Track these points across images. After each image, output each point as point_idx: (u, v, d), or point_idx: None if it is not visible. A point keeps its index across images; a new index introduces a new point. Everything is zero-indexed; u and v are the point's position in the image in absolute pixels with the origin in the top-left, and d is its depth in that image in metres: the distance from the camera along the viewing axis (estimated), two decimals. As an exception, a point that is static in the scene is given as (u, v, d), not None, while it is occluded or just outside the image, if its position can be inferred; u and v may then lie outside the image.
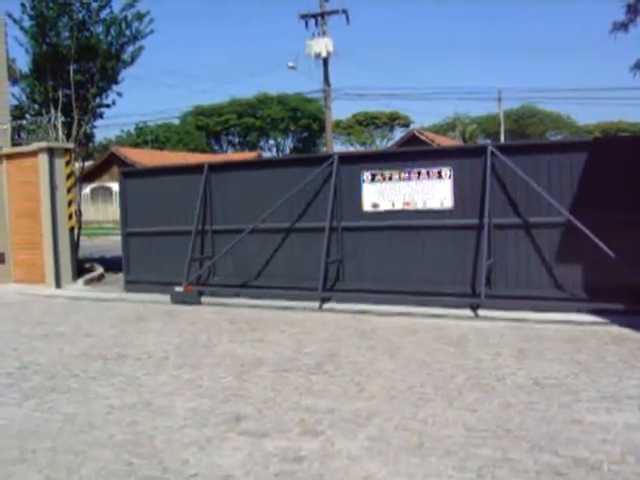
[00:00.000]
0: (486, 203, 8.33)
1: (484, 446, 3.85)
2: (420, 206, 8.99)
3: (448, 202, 8.80)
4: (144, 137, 53.93)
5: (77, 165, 14.49)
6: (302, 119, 58.01)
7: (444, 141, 39.84)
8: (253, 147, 57.94)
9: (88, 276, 13.00)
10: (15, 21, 13.64)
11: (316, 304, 9.03)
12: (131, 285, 11.34)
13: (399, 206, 9.13)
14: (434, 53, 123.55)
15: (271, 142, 62.25)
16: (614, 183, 7.86)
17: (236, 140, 62.73)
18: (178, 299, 9.89)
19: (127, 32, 14.10)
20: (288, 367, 5.87)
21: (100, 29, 13.98)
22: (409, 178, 9.05)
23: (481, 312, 8.03)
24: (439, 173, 8.85)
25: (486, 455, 3.72)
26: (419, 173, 8.98)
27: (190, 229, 10.38)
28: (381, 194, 9.23)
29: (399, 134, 55.29)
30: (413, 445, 3.92)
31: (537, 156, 8.26)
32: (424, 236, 8.91)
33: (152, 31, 14.36)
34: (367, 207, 9.35)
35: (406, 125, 62.00)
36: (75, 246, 13.06)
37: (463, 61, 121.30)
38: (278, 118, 57.52)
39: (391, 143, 53.88)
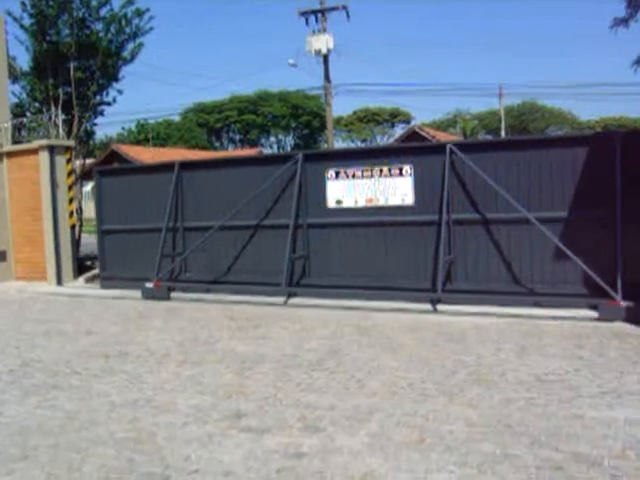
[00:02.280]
0: (444, 200, 8.44)
1: (485, 441, 3.85)
2: (382, 203, 9.13)
3: (409, 199, 8.92)
4: (145, 134, 53.82)
5: (78, 163, 14.50)
6: (303, 116, 57.84)
7: (445, 137, 39.71)
8: (254, 144, 57.84)
9: (89, 274, 13.01)
10: (15, 19, 13.69)
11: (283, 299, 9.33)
12: (107, 281, 11.56)
13: (362, 203, 9.27)
14: (435, 49, 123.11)
15: (272, 139, 62.12)
16: (571, 180, 7.94)
17: (237, 137, 62.60)
18: (149, 295, 10.21)
19: (127, 29, 14.14)
20: (289, 363, 5.88)
21: (100, 26, 14.02)
22: (371, 175, 9.17)
23: (440, 307, 8.21)
24: (400, 170, 8.95)
25: (487, 451, 3.72)
26: (381, 171, 9.11)
27: (162, 226, 10.55)
28: (345, 191, 9.35)
29: (400, 130, 55.24)
30: (414, 441, 3.92)
31: (495, 154, 8.37)
32: (386, 232, 9.06)
33: (152, 28, 14.41)
34: (331, 204, 9.48)
35: (407, 121, 61.85)
36: (76, 244, 13.09)
37: (464, 57, 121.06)
38: (279, 115, 57.37)
39: (392, 139, 53.82)
